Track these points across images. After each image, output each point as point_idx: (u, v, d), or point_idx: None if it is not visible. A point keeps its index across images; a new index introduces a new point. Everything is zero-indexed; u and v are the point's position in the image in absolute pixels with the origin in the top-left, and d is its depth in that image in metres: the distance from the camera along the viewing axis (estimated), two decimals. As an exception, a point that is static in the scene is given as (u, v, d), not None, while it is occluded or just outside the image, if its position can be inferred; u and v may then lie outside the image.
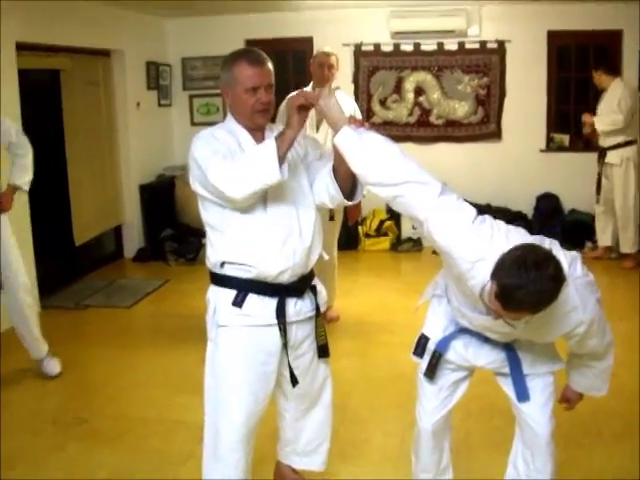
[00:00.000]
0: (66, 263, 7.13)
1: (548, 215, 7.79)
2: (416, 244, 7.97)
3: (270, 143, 2.27)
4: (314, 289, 2.65)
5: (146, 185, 8.01)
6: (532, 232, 2.28)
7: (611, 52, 7.58)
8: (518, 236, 2.12)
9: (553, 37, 7.66)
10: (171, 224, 8.00)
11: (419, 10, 7.55)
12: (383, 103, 8.06)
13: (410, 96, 8.01)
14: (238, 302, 2.48)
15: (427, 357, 2.60)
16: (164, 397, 4.28)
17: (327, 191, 2.54)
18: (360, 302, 6.08)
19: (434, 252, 2.24)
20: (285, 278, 2.49)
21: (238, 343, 2.51)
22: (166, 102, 8.45)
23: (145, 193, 7.95)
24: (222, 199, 2.38)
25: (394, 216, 7.87)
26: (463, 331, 2.49)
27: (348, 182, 2.50)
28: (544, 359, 2.49)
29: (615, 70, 7.06)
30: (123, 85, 7.56)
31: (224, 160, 2.33)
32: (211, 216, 2.51)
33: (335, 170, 2.49)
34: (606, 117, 6.74)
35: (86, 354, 5.11)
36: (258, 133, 2.55)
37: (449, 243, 2.09)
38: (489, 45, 7.77)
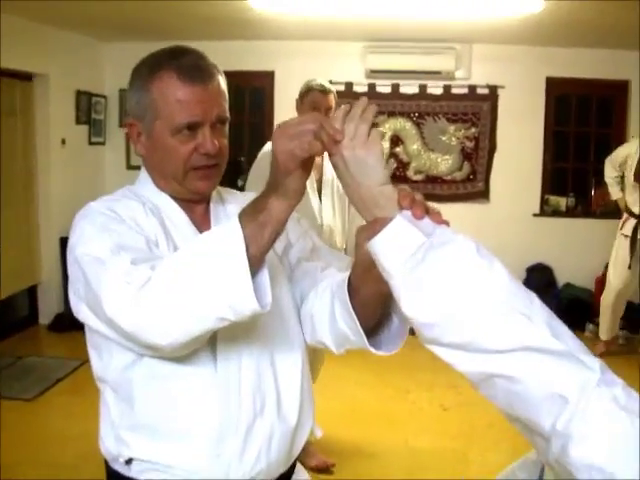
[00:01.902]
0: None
1: (540, 290, 6.81)
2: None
3: (232, 229, 1.26)
4: None
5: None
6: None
7: (617, 104, 7.25)
8: None
9: (552, 85, 7.23)
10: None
11: (400, 46, 6.95)
12: None
13: (385, 146, 7.29)
14: None
15: None
16: None
17: (332, 326, 1.56)
18: (326, 407, 4.90)
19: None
20: None
21: None
22: (99, 140, 7.75)
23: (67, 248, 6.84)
24: (132, 342, 1.40)
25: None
26: None
27: (374, 310, 1.48)
28: None
29: None
30: (46, 117, 6.79)
31: (134, 268, 1.35)
32: (106, 365, 1.56)
33: (354, 288, 1.46)
34: None
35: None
36: (197, 208, 1.64)
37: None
38: (479, 90, 7.21)
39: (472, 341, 1.04)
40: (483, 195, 7.31)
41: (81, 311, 1.48)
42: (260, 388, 1.56)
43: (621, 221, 6.14)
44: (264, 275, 1.30)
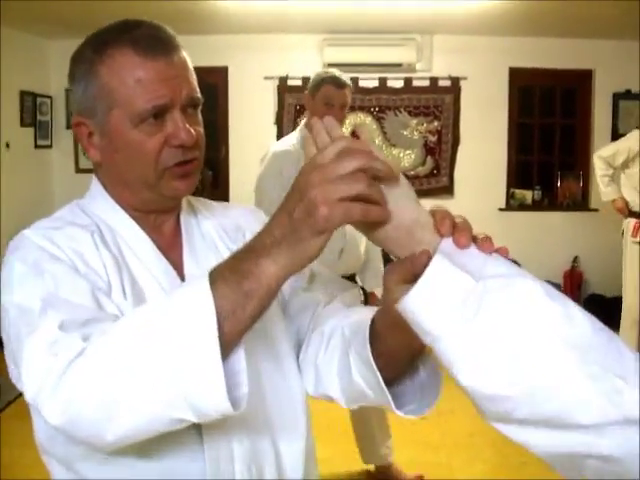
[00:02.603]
0: None
1: (508, 286, 6.89)
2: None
3: (200, 297, 0.92)
4: None
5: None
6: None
7: (581, 95, 7.21)
8: None
9: (515, 75, 7.16)
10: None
11: (358, 39, 6.81)
12: None
13: None
14: None
15: None
16: None
17: (344, 380, 1.23)
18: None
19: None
20: None
21: None
22: (45, 142, 7.51)
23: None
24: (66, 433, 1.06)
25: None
26: None
27: (400, 364, 1.15)
28: None
29: None
30: (-12, 120, 6.51)
31: (62, 336, 1.03)
32: (52, 432, 1.16)
33: (377, 338, 1.12)
34: None
35: None
36: (164, 226, 1.34)
37: None
38: (441, 83, 7.10)
39: (556, 415, 0.80)
40: (447, 190, 7.21)
41: (14, 375, 1.14)
42: (256, 457, 1.26)
43: (629, 227, 5.40)
44: (239, 360, 0.96)
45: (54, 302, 1.08)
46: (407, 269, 0.90)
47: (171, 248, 1.31)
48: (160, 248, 1.28)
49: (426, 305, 0.85)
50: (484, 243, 0.89)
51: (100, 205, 1.31)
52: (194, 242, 1.34)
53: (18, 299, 1.12)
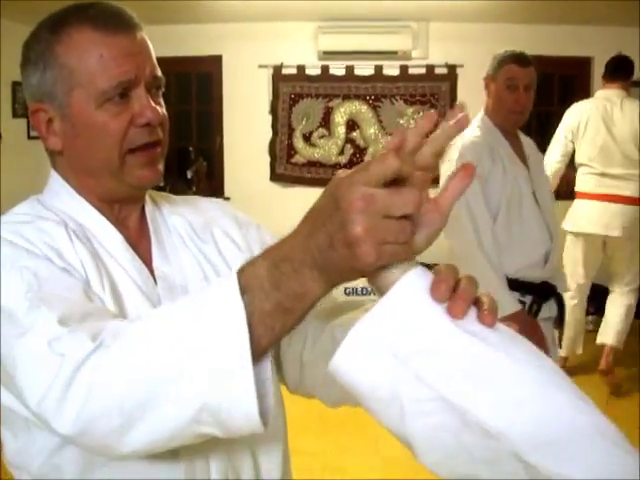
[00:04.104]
0: None
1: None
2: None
3: (234, 316, 0.84)
4: None
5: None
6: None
7: (579, 82, 7.17)
8: None
9: None
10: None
11: (353, 26, 6.76)
12: (307, 139, 7.22)
13: (341, 131, 7.18)
14: None
15: None
16: None
17: (333, 380, 1.08)
18: (290, 416, 4.68)
19: None
20: None
21: None
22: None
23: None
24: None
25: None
26: None
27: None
28: None
29: None
30: (-22, 111, 6.43)
31: (65, 332, 0.94)
32: (24, 448, 1.13)
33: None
34: None
35: None
36: (130, 220, 1.28)
37: None
38: (437, 70, 7.01)
39: None
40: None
41: None
42: (234, 467, 1.21)
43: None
44: (266, 368, 0.90)
45: (44, 297, 1.00)
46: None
47: (137, 243, 1.26)
48: (128, 243, 1.24)
49: (351, 370, 0.81)
50: (486, 317, 0.80)
51: (64, 200, 1.24)
52: (161, 236, 1.29)
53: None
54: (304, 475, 3.68)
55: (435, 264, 0.83)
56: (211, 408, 0.85)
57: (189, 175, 6.74)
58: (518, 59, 3.11)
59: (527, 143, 3.28)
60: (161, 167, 1.24)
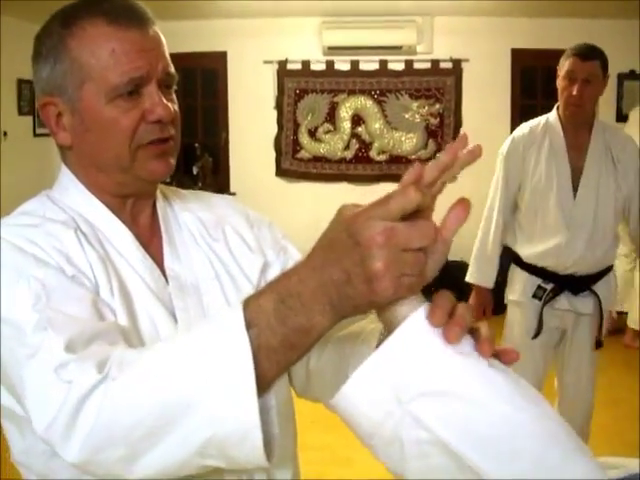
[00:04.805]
0: None
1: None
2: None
3: (240, 354, 0.83)
4: None
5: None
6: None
7: None
8: None
9: (518, 57, 7.08)
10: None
11: (358, 21, 6.78)
12: (313, 134, 7.22)
13: (346, 126, 7.20)
14: None
15: None
16: None
17: (336, 390, 1.07)
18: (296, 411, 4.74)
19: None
20: None
21: None
22: (44, 131, 6.84)
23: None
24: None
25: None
26: None
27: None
28: None
29: None
30: (-17, 108, 6.42)
31: (72, 360, 0.93)
32: (30, 447, 1.12)
33: None
34: None
35: None
36: (141, 217, 1.26)
37: None
38: (442, 65, 7.05)
39: None
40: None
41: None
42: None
43: None
44: (269, 397, 0.90)
45: (52, 317, 0.98)
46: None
47: (149, 241, 1.24)
48: (139, 241, 1.22)
49: (355, 409, 0.82)
50: (482, 346, 0.80)
51: (73, 197, 1.22)
52: (172, 234, 1.27)
53: (5, 313, 1.01)
54: (312, 468, 3.71)
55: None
56: (216, 441, 0.85)
57: (195, 171, 6.74)
58: (579, 52, 3.11)
59: (618, 141, 3.26)
60: (173, 161, 1.22)
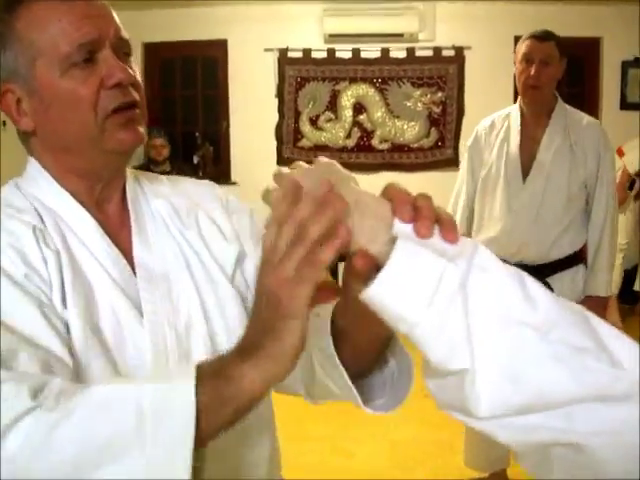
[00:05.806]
0: None
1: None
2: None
3: (183, 398, 0.79)
4: None
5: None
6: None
7: (589, 63, 7.01)
8: None
9: None
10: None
11: (359, 8, 6.70)
12: (314, 122, 7.13)
13: (348, 114, 7.10)
14: None
15: None
16: None
17: (309, 377, 1.14)
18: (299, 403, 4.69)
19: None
20: None
21: None
22: None
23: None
24: None
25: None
26: None
27: (369, 358, 1.07)
28: None
29: None
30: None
31: (10, 377, 0.87)
32: None
33: (342, 335, 1.02)
34: None
35: None
36: (110, 206, 1.23)
37: None
38: (445, 52, 6.95)
39: (525, 402, 0.74)
40: (452, 163, 6.97)
41: None
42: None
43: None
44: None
45: (9, 350, 0.94)
46: (363, 264, 0.80)
47: (118, 230, 1.21)
48: (106, 231, 1.18)
49: (398, 291, 0.76)
50: (448, 233, 0.78)
51: (39, 186, 1.20)
52: (143, 223, 1.23)
53: None
54: (313, 459, 3.70)
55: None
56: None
57: (195, 160, 6.70)
58: (535, 34, 3.16)
59: (578, 126, 3.22)
60: (142, 129, 1.18)
